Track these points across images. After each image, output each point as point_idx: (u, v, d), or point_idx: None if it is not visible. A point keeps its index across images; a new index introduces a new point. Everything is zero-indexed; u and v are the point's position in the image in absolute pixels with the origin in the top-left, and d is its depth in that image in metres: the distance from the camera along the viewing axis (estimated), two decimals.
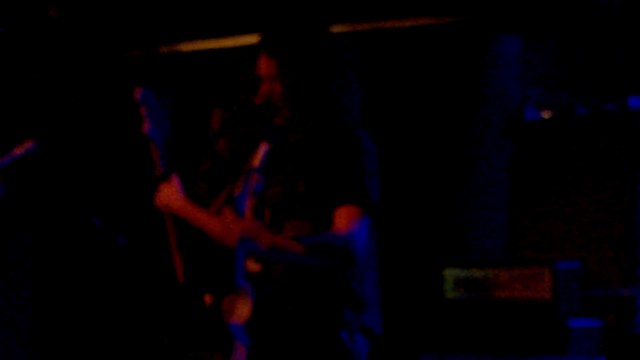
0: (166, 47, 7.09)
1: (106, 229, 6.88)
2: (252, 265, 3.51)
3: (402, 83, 6.37)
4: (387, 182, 3.63)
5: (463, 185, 6.40)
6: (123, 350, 6.89)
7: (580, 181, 6.30)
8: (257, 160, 3.37)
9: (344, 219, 3.39)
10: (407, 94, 6.39)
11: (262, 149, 3.39)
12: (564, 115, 6.46)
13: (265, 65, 3.57)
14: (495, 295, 5.64)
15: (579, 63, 6.23)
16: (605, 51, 6.13)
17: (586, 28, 6.06)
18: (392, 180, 3.96)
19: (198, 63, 6.98)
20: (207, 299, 3.59)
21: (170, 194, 3.73)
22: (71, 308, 6.98)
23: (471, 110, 6.42)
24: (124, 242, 6.82)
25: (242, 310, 3.40)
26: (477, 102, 6.42)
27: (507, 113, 6.44)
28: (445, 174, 6.42)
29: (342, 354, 3.48)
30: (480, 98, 6.41)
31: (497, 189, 6.42)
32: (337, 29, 6.38)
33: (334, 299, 3.50)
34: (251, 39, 6.72)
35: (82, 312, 6.96)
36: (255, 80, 3.61)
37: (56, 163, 6.87)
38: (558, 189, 6.35)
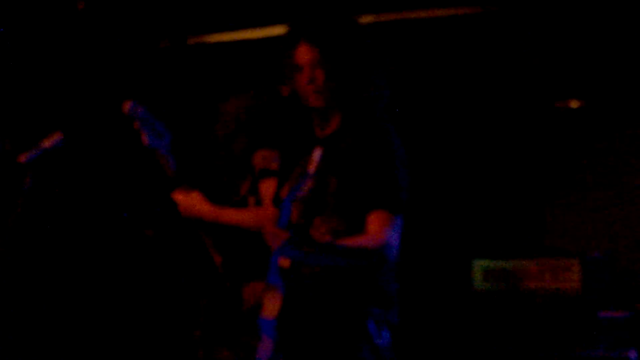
0: (194, 39, 7.09)
1: (132, 221, 6.90)
2: (282, 261, 3.53)
3: (417, 74, 6.34)
4: (413, 173, 3.65)
5: (491, 176, 6.38)
6: (147, 342, 6.90)
7: (610, 171, 6.27)
8: (312, 166, 3.37)
9: (378, 224, 3.50)
10: (428, 86, 6.37)
11: (316, 154, 3.38)
12: (593, 104, 6.42)
13: (306, 53, 3.65)
14: (524, 286, 5.61)
15: (604, 55, 6.19)
16: (627, 45, 6.09)
17: (611, 23, 6.03)
18: (418, 171, 3.95)
19: (224, 54, 6.98)
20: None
21: (192, 202, 3.89)
22: (96, 300, 7.00)
23: (498, 100, 6.39)
24: (149, 234, 6.84)
25: (273, 306, 3.44)
26: (504, 92, 6.39)
27: (536, 102, 6.41)
28: (472, 164, 6.40)
29: (369, 348, 3.53)
30: (508, 87, 6.38)
31: (526, 178, 6.39)
32: (363, 19, 6.40)
33: (362, 297, 3.57)
34: (278, 30, 6.75)
35: (106, 304, 6.98)
36: (290, 68, 3.67)
37: (83, 155, 6.89)
38: (587, 179, 6.32)
